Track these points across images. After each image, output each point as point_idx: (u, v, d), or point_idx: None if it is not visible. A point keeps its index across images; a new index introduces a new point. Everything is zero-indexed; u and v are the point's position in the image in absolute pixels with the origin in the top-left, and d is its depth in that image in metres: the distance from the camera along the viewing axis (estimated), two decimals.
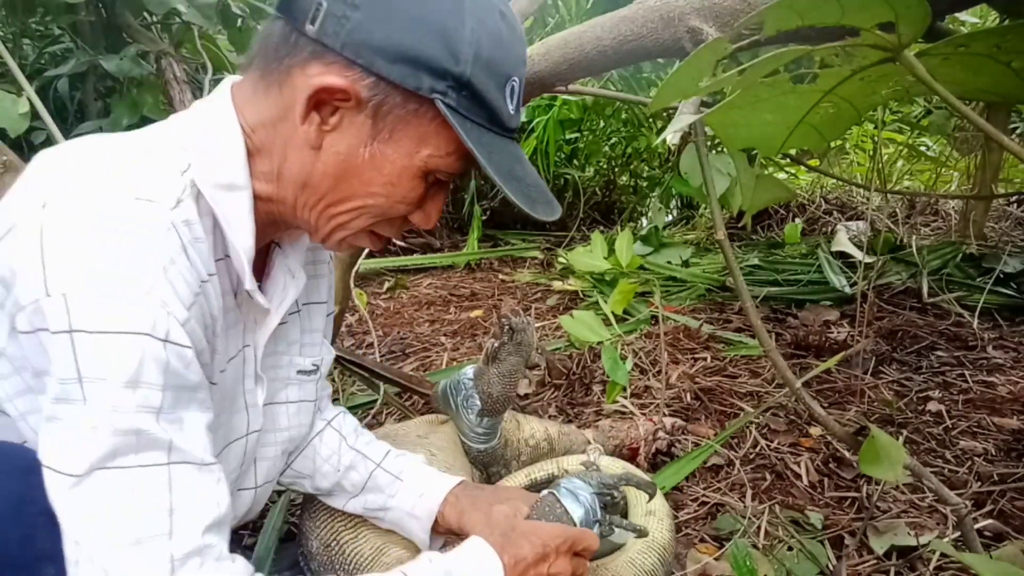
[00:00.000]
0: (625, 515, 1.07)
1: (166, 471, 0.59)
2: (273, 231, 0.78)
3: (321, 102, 0.66)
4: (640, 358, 1.96)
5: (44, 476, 0.57)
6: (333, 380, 1.78)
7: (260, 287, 0.78)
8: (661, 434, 1.45)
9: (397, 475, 0.98)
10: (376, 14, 0.64)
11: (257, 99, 0.70)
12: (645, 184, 3.85)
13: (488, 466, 1.25)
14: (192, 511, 0.60)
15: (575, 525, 0.84)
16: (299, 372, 0.90)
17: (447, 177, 0.73)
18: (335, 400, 1.73)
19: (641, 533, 0.92)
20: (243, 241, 0.70)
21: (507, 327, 1.18)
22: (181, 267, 0.61)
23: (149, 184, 0.62)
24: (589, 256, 2.71)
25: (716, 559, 1.16)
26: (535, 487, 1.16)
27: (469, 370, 1.21)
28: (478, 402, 1.17)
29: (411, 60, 0.64)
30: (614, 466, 1.22)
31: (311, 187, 0.70)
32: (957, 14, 2.09)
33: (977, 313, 2.19)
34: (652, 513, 1.07)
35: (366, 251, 1.91)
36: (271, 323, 0.81)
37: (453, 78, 0.65)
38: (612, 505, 0.89)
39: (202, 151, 0.68)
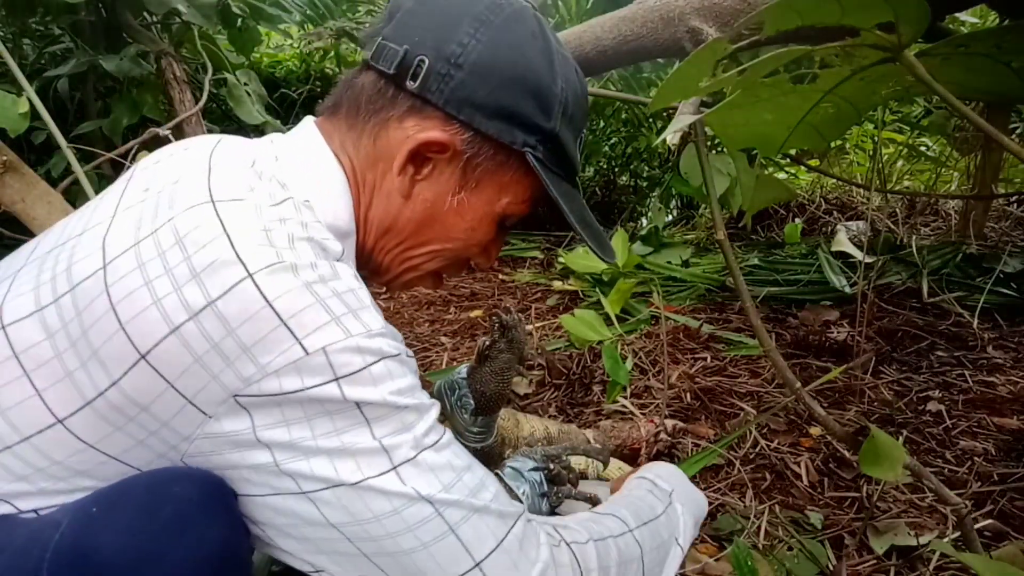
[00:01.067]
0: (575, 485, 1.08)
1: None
2: None
3: (419, 155, 0.70)
4: (640, 358, 1.96)
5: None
6: None
7: None
8: (663, 436, 1.45)
9: None
10: (479, 73, 0.68)
11: (347, 146, 0.72)
12: (645, 184, 3.85)
13: (485, 464, 1.25)
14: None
15: (520, 501, 0.84)
16: None
17: (515, 221, 0.78)
18: None
19: (593, 501, 0.93)
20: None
21: (498, 325, 1.18)
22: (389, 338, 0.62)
23: (307, 245, 0.59)
24: (586, 257, 2.71)
25: (716, 559, 1.16)
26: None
27: (463, 369, 1.21)
28: (472, 401, 1.17)
29: (508, 116, 0.69)
30: (612, 466, 1.22)
31: (394, 232, 0.73)
32: (957, 14, 2.10)
33: (977, 313, 2.19)
34: (607, 481, 1.08)
35: None
36: None
37: (543, 133, 0.70)
38: (557, 476, 0.90)
39: (324, 202, 0.67)
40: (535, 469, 0.89)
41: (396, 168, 0.69)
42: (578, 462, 1.18)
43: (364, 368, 0.56)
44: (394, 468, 0.57)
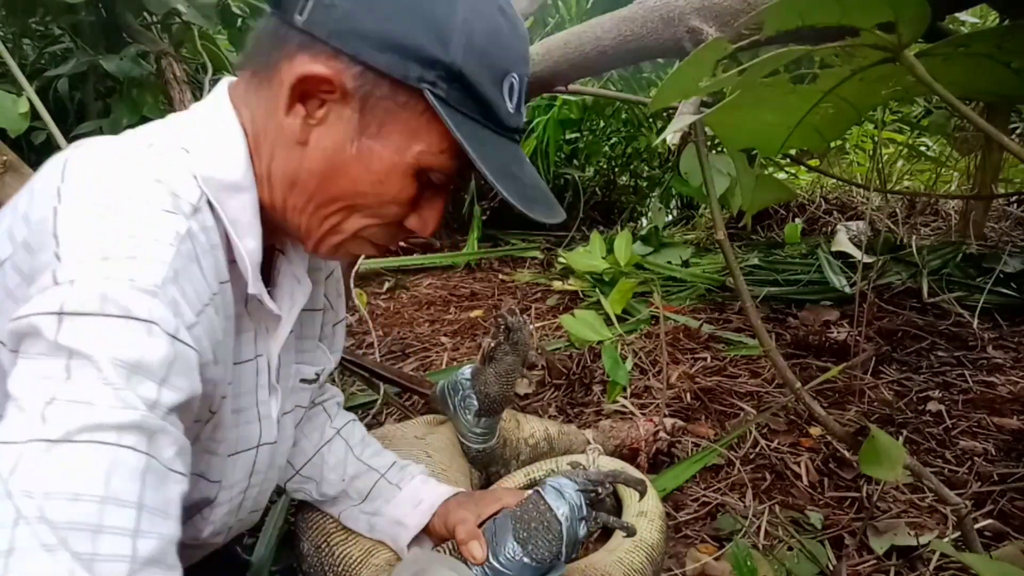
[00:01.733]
0: (613, 514, 1.07)
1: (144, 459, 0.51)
2: (270, 238, 0.75)
3: (307, 94, 0.64)
4: (640, 358, 1.96)
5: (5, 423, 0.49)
6: (333, 381, 1.78)
7: (269, 295, 0.76)
8: (662, 435, 1.45)
9: (396, 484, 0.99)
10: (364, 2, 0.62)
11: (248, 97, 0.69)
12: (645, 184, 3.85)
13: (487, 466, 1.25)
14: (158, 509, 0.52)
15: (559, 523, 0.83)
16: (302, 381, 0.89)
17: (442, 178, 0.69)
18: None
19: (629, 531, 0.90)
20: (248, 244, 0.68)
21: (503, 326, 1.18)
22: (192, 276, 0.59)
23: (164, 185, 0.60)
24: (587, 256, 2.71)
25: (716, 559, 1.16)
26: (534, 487, 1.16)
27: (466, 370, 1.21)
28: (475, 402, 1.17)
29: (399, 48, 0.61)
30: (612, 466, 1.22)
31: (299, 186, 0.68)
32: (957, 14, 2.10)
33: (977, 313, 2.19)
34: (644, 513, 1.07)
35: None
36: (283, 331, 0.79)
37: (443, 67, 0.62)
38: (599, 502, 0.88)
39: (205, 152, 0.66)
40: (579, 491, 0.87)
41: (283, 108, 0.64)
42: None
43: (96, 315, 0.51)
44: (29, 442, 0.47)
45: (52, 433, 0.47)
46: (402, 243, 3.32)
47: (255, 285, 0.70)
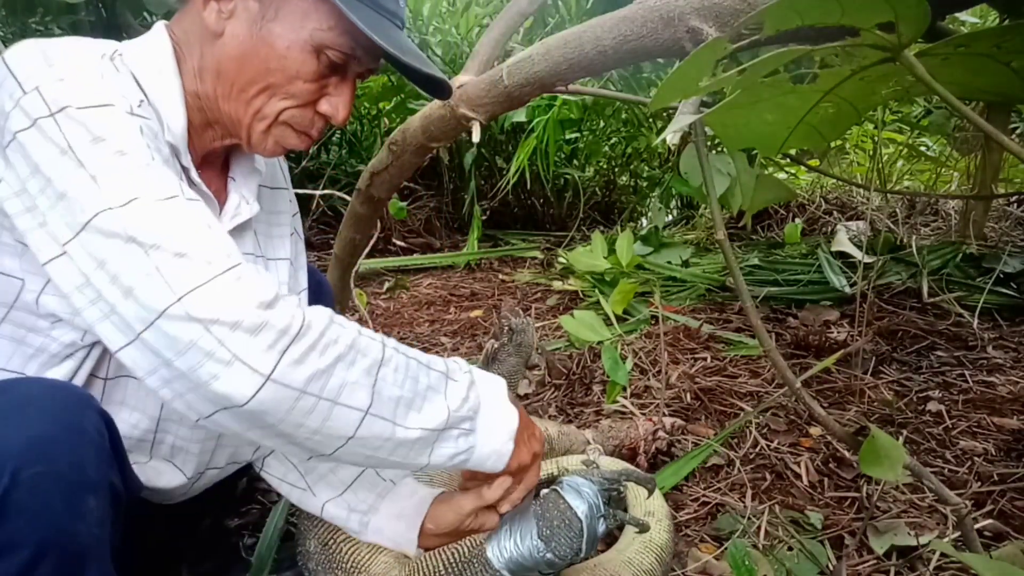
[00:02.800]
0: (626, 511, 1.08)
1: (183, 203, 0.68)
2: (211, 138, 0.85)
3: None
4: (640, 358, 1.96)
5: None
6: None
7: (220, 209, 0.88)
8: (661, 434, 1.45)
9: (390, 480, 0.98)
10: None
11: (181, 14, 0.82)
12: (645, 184, 3.85)
13: None
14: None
15: (580, 521, 0.85)
16: None
17: (340, 56, 0.79)
18: None
19: (643, 527, 0.92)
20: (176, 121, 0.78)
21: (507, 328, 1.18)
22: (121, 81, 0.73)
23: (75, 58, 0.72)
24: (589, 256, 2.71)
25: (716, 559, 1.16)
26: (549, 486, 1.17)
27: None
28: None
29: None
30: (613, 466, 1.22)
31: (223, 75, 0.79)
32: (957, 14, 2.09)
33: (977, 313, 2.19)
34: (651, 514, 1.07)
35: (366, 251, 1.91)
36: (222, 223, 0.87)
37: None
38: (616, 500, 0.90)
39: (130, 47, 0.79)
40: (597, 490, 0.89)
41: (200, 6, 0.77)
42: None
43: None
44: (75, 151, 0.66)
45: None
46: (402, 243, 3.32)
47: (185, 156, 0.80)
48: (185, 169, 0.80)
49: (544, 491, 0.91)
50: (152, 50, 0.80)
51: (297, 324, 0.65)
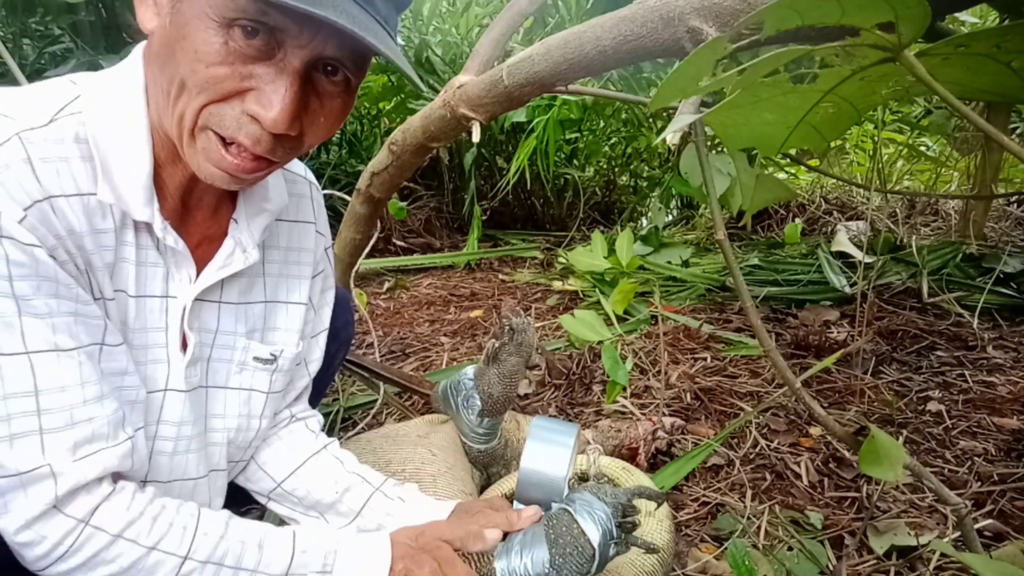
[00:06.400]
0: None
1: (25, 359, 0.65)
2: (182, 169, 0.75)
3: None
4: (640, 358, 1.96)
5: None
6: (332, 381, 1.78)
7: (211, 255, 0.80)
8: (660, 434, 1.45)
9: (399, 497, 0.96)
10: None
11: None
12: (645, 184, 3.84)
13: (488, 466, 1.25)
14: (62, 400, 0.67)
15: (592, 547, 0.84)
16: (255, 358, 0.88)
17: (250, 25, 0.63)
18: (334, 400, 1.73)
19: (652, 550, 0.91)
20: (133, 170, 0.71)
21: (508, 328, 1.17)
22: (18, 173, 0.64)
23: (19, 105, 0.68)
24: (589, 256, 2.71)
25: (716, 559, 1.16)
26: (561, 507, 1.16)
27: (469, 370, 1.21)
28: (479, 402, 1.17)
29: None
30: (613, 466, 1.22)
31: (155, 84, 0.70)
32: (957, 14, 2.10)
33: (977, 313, 2.19)
34: (651, 514, 1.07)
35: (366, 251, 1.91)
36: (203, 282, 0.80)
37: None
38: (629, 524, 0.89)
39: (96, 86, 0.72)
40: (614, 513, 0.87)
41: (137, 8, 0.69)
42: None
43: None
44: None
45: None
46: (402, 243, 3.32)
47: (141, 210, 0.72)
48: (146, 225, 0.74)
49: (554, 508, 0.90)
50: (121, 87, 0.72)
51: (70, 540, 0.67)
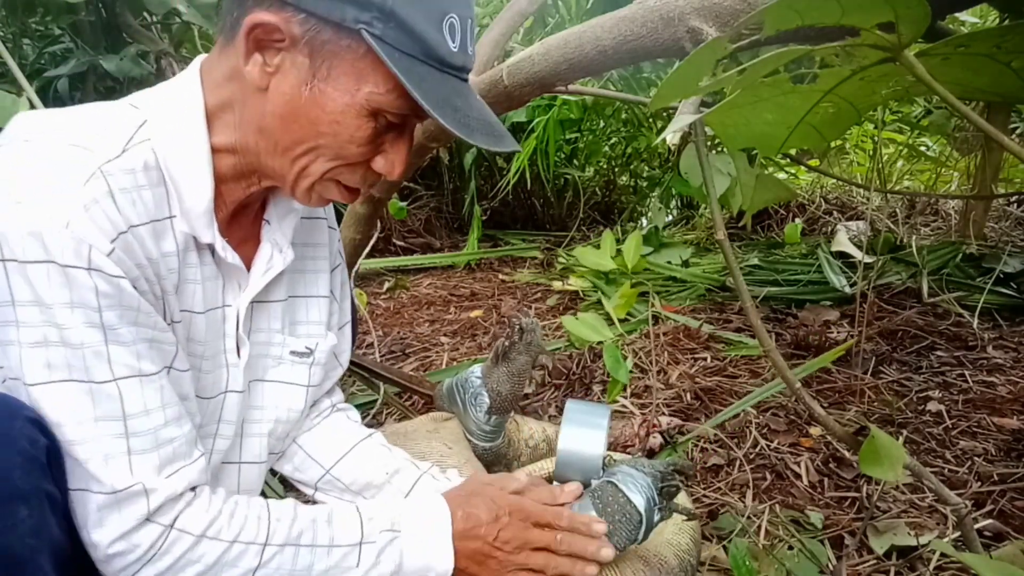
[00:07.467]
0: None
1: (114, 386, 0.68)
2: (246, 186, 0.80)
3: (261, 43, 0.70)
4: (640, 358, 1.96)
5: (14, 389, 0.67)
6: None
7: (249, 256, 0.84)
8: (657, 433, 1.45)
9: (447, 478, 0.99)
10: None
11: (220, 59, 0.75)
12: (645, 184, 3.84)
13: (491, 465, 1.25)
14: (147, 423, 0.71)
15: (640, 512, 0.87)
16: (292, 352, 0.92)
17: (397, 118, 0.73)
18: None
19: (692, 516, 0.97)
20: (197, 195, 0.75)
21: (517, 327, 1.18)
22: (104, 207, 0.67)
23: (91, 135, 0.69)
24: (596, 254, 2.72)
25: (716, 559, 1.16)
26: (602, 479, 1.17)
27: (477, 368, 1.21)
28: (487, 400, 1.17)
29: None
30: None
31: (266, 132, 0.74)
32: (957, 14, 2.10)
33: (977, 313, 2.19)
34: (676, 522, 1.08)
35: (366, 251, 1.90)
36: (252, 287, 0.84)
37: (376, 8, 0.67)
38: (669, 493, 0.92)
39: (158, 109, 0.75)
40: (654, 482, 0.90)
41: (242, 57, 0.70)
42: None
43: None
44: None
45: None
46: (402, 243, 3.32)
47: (207, 233, 0.77)
48: (209, 247, 0.78)
49: (594, 482, 0.93)
50: (180, 111, 0.75)
51: (159, 545, 0.71)
